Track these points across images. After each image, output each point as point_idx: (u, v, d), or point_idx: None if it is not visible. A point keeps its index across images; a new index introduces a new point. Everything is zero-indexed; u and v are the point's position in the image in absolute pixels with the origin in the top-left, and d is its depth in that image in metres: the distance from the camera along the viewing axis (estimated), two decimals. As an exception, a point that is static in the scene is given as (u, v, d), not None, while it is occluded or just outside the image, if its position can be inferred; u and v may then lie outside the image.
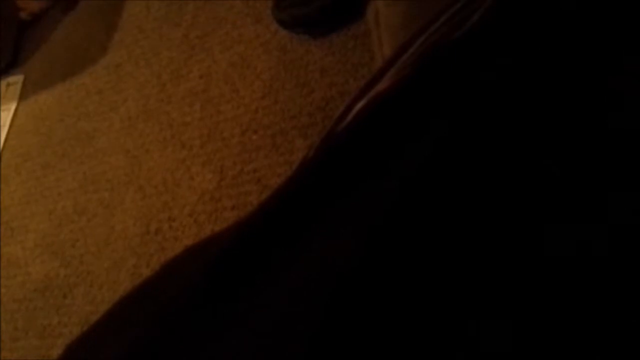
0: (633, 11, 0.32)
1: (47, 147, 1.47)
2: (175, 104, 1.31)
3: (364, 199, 0.33)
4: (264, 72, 1.22)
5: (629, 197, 0.27)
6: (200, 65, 1.34)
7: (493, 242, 0.29)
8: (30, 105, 1.61)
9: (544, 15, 0.35)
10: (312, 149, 0.40)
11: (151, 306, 0.39)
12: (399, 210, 0.31)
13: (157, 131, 1.30)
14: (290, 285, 0.32)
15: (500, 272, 0.28)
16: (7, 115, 1.62)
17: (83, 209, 1.29)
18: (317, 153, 0.39)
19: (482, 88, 0.34)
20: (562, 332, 0.25)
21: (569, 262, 0.27)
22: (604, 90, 0.31)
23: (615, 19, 0.33)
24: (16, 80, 1.69)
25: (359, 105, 0.40)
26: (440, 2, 0.42)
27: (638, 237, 0.26)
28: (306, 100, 1.14)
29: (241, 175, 1.13)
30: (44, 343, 1.18)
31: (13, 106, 1.63)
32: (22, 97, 1.64)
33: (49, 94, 1.59)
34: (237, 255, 0.36)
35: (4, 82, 1.71)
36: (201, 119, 1.25)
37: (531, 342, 0.26)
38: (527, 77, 0.33)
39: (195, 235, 1.10)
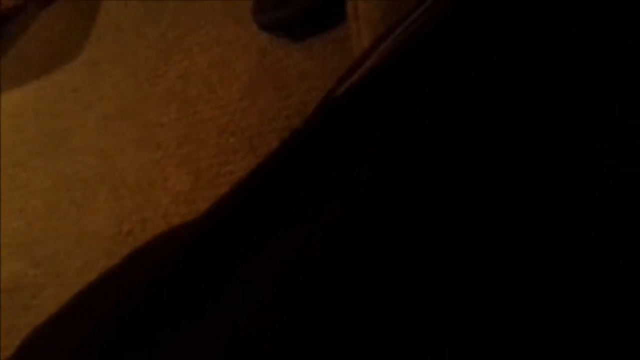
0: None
1: (19, 145, 1.44)
2: (152, 103, 1.30)
3: (334, 191, 0.33)
4: (243, 74, 1.22)
5: (618, 198, 0.27)
6: (178, 65, 1.32)
7: (474, 245, 0.28)
8: (3, 101, 1.58)
9: (530, 5, 0.35)
10: (283, 141, 0.39)
11: (112, 296, 0.38)
12: (372, 203, 0.31)
13: (133, 131, 1.28)
14: (255, 281, 0.31)
15: (481, 282, 0.27)
16: (-21, 111, 1.59)
17: (55, 208, 1.27)
18: (290, 142, 0.39)
19: (464, 78, 0.34)
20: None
21: (558, 266, 0.27)
22: (591, 80, 0.31)
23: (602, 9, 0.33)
24: (-11, 75, 1.66)
25: (339, 91, 0.39)
26: None
27: (630, 236, 0.26)
28: (285, 104, 1.13)
29: (217, 177, 1.12)
30: (10, 343, 1.15)
31: (-15, 102, 1.60)
32: (-5, 93, 1.61)
33: (24, 91, 1.56)
34: (202, 246, 0.35)
35: (-23, 78, 1.68)
36: (178, 120, 1.24)
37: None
38: (512, 67, 0.33)
39: (169, 237, 1.08)
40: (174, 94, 1.28)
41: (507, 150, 0.30)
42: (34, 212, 1.29)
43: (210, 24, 1.34)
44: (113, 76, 1.41)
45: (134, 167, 1.22)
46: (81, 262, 1.15)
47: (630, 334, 0.25)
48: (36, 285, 1.18)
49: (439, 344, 0.26)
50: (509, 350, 0.26)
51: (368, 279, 0.29)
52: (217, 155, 1.14)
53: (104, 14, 1.56)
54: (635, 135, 0.28)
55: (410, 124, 0.32)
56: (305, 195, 0.33)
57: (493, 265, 0.27)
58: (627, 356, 0.24)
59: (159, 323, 0.32)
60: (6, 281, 1.22)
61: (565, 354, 0.25)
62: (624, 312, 0.25)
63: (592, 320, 0.26)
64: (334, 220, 0.31)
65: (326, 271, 0.29)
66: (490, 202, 0.29)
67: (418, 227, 0.29)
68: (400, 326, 0.27)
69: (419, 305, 0.27)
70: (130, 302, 0.35)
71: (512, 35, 0.33)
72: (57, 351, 0.39)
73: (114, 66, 1.43)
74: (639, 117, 0.29)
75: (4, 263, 1.25)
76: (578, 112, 0.30)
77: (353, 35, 0.70)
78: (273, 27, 1.23)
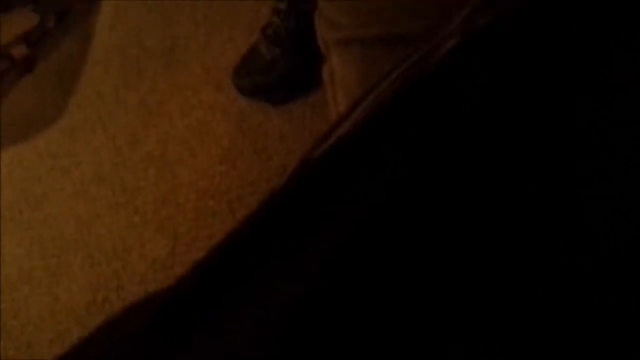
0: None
1: (-6, 212, 1.42)
2: (130, 168, 1.29)
3: (310, 257, 0.32)
4: (223, 138, 1.22)
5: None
6: (157, 129, 1.32)
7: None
8: (-21, 167, 1.56)
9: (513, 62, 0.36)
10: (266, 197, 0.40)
11: None
12: (348, 261, 0.31)
13: (110, 196, 1.27)
14: (243, 329, 0.31)
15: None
16: (-46, 178, 1.56)
17: (27, 276, 1.23)
18: (265, 208, 0.38)
19: (440, 132, 0.34)
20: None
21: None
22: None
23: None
24: (-34, 142, 1.64)
25: (317, 152, 0.39)
26: (394, 59, 0.43)
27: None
28: (264, 167, 1.13)
29: (195, 241, 1.10)
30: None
31: (-39, 169, 1.58)
32: (-28, 159, 1.59)
33: (1, 157, 1.54)
34: (178, 309, 0.34)
35: (-47, 144, 1.66)
36: (156, 184, 1.23)
37: None
38: (491, 126, 0.34)
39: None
40: (153, 159, 1.27)
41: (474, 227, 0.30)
42: (6, 281, 1.25)
43: (190, 89, 1.35)
44: (91, 142, 1.41)
45: (110, 232, 1.20)
46: (53, 334, 1.11)
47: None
48: (6, 357, 1.13)
49: None
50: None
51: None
52: (195, 219, 1.13)
53: (83, 80, 1.56)
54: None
55: (373, 197, 0.33)
56: (274, 265, 0.33)
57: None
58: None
59: None
60: (-26, 353, 1.17)
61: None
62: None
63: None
64: (301, 292, 0.31)
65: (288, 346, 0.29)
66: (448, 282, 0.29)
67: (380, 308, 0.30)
68: None
69: None
70: None
71: (487, 107, 0.34)
72: None
73: (92, 132, 1.42)
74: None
75: (-27, 334, 1.20)
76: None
77: (330, 100, 0.71)
78: (252, 92, 1.24)
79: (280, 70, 1.22)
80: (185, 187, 1.19)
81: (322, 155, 0.39)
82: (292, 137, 1.14)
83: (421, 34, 0.45)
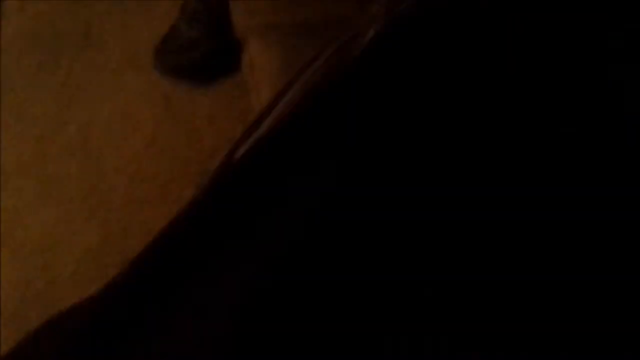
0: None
1: None
2: (53, 158, 1.25)
3: (242, 253, 0.32)
4: (148, 121, 1.19)
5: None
6: (78, 116, 1.28)
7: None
8: None
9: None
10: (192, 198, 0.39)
11: None
12: (278, 267, 0.31)
13: (34, 187, 1.22)
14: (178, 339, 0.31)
15: None
16: None
17: (-48, 276, 1.18)
18: (190, 210, 0.38)
19: (369, 121, 0.35)
20: None
21: None
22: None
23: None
24: None
25: (240, 151, 0.39)
26: (315, 46, 0.43)
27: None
28: (194, 148, 1.12)
29: (128, 228, 1.08)
30: None
31: None
32: None
33: None
34: (115, 308, 0.34)
35: None
36: (81, 173, 1.19)
37: None
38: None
39: (79, 297, 1.03)
40: (76, 146, 1.23)
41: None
42: None
43: (110, 72, 1.31)
44: (10, 131, 1.34)
45: (37, 225, 1.16)
46: (-16, 334, 1.07)
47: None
48: None
49: None
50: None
51: None
52: (126, 205, 1.11)
53: (-4, 68, 1.49)
54: None
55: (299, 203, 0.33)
56: (197, 276, 0.33)
57: None
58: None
59: None
60: None
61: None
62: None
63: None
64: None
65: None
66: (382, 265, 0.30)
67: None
68: None
69: None
70: None
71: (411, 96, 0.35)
72: None
73: (13, 120, 1.36)
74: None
75: None
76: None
77: (251, 88, 0.71)
78: (176, 72, 1.22)
79: (202, 48, 1.20)
80: (112, 173, 1.16)
81: (246, 155, 0.39)
82: (221, 116, 1.13)
83: (341, 19, 0.44)
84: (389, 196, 0.32)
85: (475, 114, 0.33)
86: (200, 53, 1.18)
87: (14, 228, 1.18)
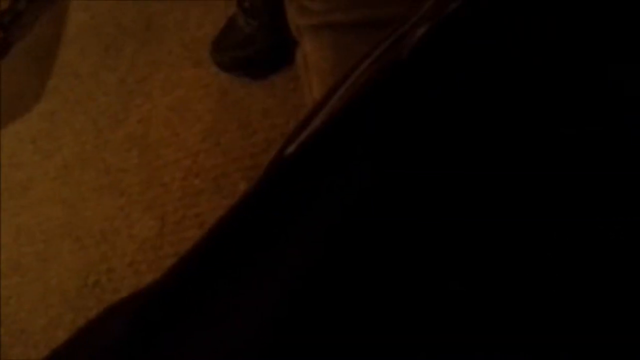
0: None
1: (-22, 200, 1.41)
2: (113, 150, 1.28)
3: (292, 249, 0.32)
4: (205, 115, 1.21)
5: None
6: (138, 109, 1.31)
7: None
8: (-40, 156, 1.54)
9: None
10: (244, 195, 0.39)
11: None
12: (329, 259, 0.31)
13: (94, 179, 1.26)
14: (226, 330, 0.31)
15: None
16: (-64, 168, 1.54)
17: (17, 264, 1.23)
18: (249, 197, 0.38)
19: (417, 119, 0.34)
20: None
21: None
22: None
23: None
24: (-56, 130, 1.62)
25: (290, 149, 0.39)
26: (368, 44, 0.43)
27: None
28: (248, 142, 1.12)
29: (183, 220, 1.10)
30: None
31: (-59, 158, 1.56)
32: (-48, 148, 1.57)
33: (-19, 144, 1.53)
34: (159, 307, 0.34)
35: None
36: (140, 165, 1.22)
37: None
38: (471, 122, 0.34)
39: (136, 286, 1.06)
40: (135, 139, 1.26)
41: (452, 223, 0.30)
42: (-3, 269, 1.25)
43: (169, 67, 1.33)
44: (72, 124, 1.39)
45: (97, 215, 1.19)
46: (46, 319, 1.11)
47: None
48: (2, 345, 1.14)
49: None
50: None
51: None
52: (182, 198, 1.12)
53: (60, 62, 1.54)
54: None
55: (351, 192, 0.33)
56: (254, 261, 0.33)
57: None
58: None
59: None
60: (-31, 342, 1.18)
61: None
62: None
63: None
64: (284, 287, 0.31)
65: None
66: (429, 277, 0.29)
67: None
68: None
69: None
70: None
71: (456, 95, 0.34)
72: None
73: (72, 114, 1.41)
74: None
75: (-34, 324, 1.20)
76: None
77: (304, 85, 0.70)
78: (233, 66, 1.23)
79: (259, 43, 1.20)
80: (169, 166, 1.18)
81: (297, 151, 0.39)
82: (275, 111, 1.13)
83: (394, 18, 0.44)
84: (433, 199, 0.31)
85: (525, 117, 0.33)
86: (256, 48, 1.19)
87: (75, 218, 1.22)
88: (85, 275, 1.13)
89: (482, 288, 0.28)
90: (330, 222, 0.32)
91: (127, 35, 1.46)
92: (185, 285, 0.35)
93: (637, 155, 0.29)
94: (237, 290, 0.32)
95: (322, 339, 0.29)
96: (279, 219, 0.34)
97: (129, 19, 1.48)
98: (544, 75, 0.33)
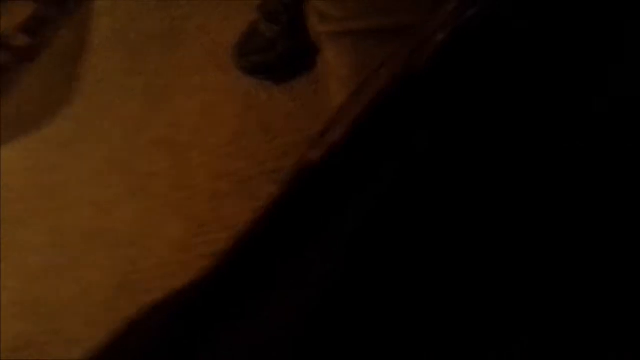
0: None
1: (12, 203, 1.45)
2: (141, 153, 1.32)
3: (317, 251, 0.34)
4: (229, 119, 1.24)
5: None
6: (164, 113, 1.35)
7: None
8: (-7, 160, 1.59)
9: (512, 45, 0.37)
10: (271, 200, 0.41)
11: None
12: (352, 264, 0.33)
13: (124, 182, 1.30)
14: (255, 335, 0.33)
15: None
16: (-31, 171, 1.59)
17: (53, 264, 1.27)
18: (269, 212, 0.41)
19: (435, 127, 0.36)
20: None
21: None
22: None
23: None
24: (-24, 135, 1.67)
25: (313, 154, 0.41)
26: (386, 51, 0.44)
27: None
28: (272, 145, 1.16)
29: (210, 222, 1.13)
30: (16, 405, 1.16)
31: (-26, 161, 1.61)
32: (-17, 152, 1.62)
33: (10, 149, 1.56)
34: (198, 306, 0.37)
35: (-37, 138, 1.68)
36: (168, 168, 1.26)
37: None
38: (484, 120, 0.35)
39: (167, 286, 1.09)
40: (162, 143, 1.30)
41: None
42: (33, 270, 1.29)
43: (193, 71, 1.36)
44: (100, 128, 1.43)
45: (128, 217, 1.23)
46: (82, 318, 1.15)
47: None
48: (40, 343, 1.18)
49: None
50: None
51: None
52: (209, 200, 1.16)
53: (87, 67, 1.58)
54: None
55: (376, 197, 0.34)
56: (283, 265, 0.35)
57: None
58: None
59: None
60: (10, 341, 1.22)
61: None
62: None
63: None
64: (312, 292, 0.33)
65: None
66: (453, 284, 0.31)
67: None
68: None
69: None
70: None
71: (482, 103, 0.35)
72: None
73: (100, 119, 1.45)
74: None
75: (7, 323, 1.25)
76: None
77: (325, 89, 0.73)
78: (255, 71, 1.26)
79: (280, 48, 1.23)
80: (196, 169, 1.21)
81: (322, 157, 0.41)
82: (298, 114, 1.16)
83: (412, 26, 0.45)
84: (455, 202, 0.33)
85: (543, 120, 0.34)
86: (278, 53, 1.22)
87: (107, 220, 1.26)
88: (118, 275, 1.17)
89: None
90: (356, 224, 0.34)
91: (152, 40, 1.49)
92: (224, 283, 0.37)
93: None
94: (271, 287, 0.34)
95: (349, 336, 0.31)
96: (309, 221, 0.36)
97: (153, 25, 1.52)
98: (562, 80, 0.35)
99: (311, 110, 1.15)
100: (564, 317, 0.28)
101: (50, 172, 1.45)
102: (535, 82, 0.35)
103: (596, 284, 0.28)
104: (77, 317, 1.16)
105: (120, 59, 1.53)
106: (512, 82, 0.36)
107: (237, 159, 1.17)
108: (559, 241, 0.30)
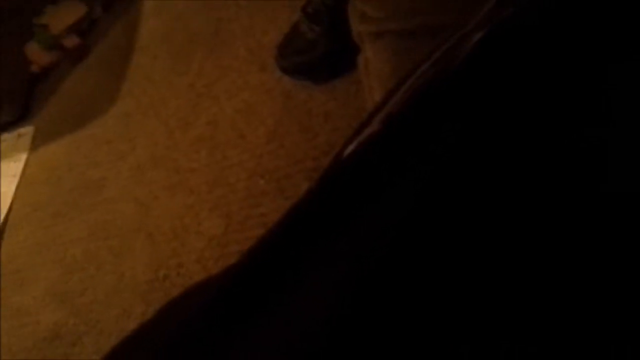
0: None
1: (56, 197, 1.49)
2: (183, 150, 1.34)
3: (352, 242, 0.34)
4: (269, 118, 1.25)
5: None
6: (207, 112, 1.36)
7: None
8: (40, 155, 1.64)
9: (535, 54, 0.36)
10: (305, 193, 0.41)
11: (149, 349, 0.40)
12: (382, 264, 0.32)
13: (165, 178, 1.32)
14: (285, 325, 0.33)
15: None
16: (19, 166, 1.65)
17: (92, 256, 1.30)
18: (311, 193, 0.40)
19: (471, 126, 0.35)
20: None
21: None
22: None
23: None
24: (27, 131, 1.73)
25: (349, 149, 0.41)
26: (426, 50, 0.43)
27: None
28: (310, 145, 1.16)
29: (248, 220, 1.14)
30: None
31: (24, 157, 1.66)
32: (33, 147, 1.67)
33: (59, 145, 1.62)
34: (233, 293, 0.37)
35: (15, 134, 1.74)
36: (208, 165, 1.27)
37: None
38: (519, 122, 0.35)
39: (203, 281, 1.10)
40: (204, 140, 1.32)
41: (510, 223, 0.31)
42: (73, 262, 1.33)
43: (236, 71, 1.38)
44: (144, 126, 1.46)
45: (168, 213, 1.25)
46: (119, 310, 1.18)
47: None
48: (76, 333, 1.21)
49: None
50: None
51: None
52: (246, 198, 1.17)
53: (133, 67, 1.62)
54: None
55: (407, 195, 0.34)
56: (314, 260, 0.34)
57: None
58: None
59: None
60: (46, 330, 1.25)
61: None
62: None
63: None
64: (341, 285, 0.32)
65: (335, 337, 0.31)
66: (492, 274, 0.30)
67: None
68: None
69: None
70: (168, 350, 0.37)
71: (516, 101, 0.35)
72: None
73: (145, 116, 1.48)
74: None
75: (44, 312, 1.28)
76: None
77: (365, 89, 0.73)
78: (296, 71, 1.27)
79: (321, 48, 1.23)
80: (235, 167, 1.22)
81: (355, 153, 0.40)
82: (337, 114, 1.16)
83: (450, 25, 0.45)
84: (488, 203, 0.32)
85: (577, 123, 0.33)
86: (319, 53, 1.22)
87: (147, 215, 1.28)
88: (156, 269, 1.18)
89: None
90: (387, 222, 0.34)
91: (196, 41, 1.52)
92: (253, 276, 0.37)
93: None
94: (300, 282, 0.34)
95: (375, 338, 0.30)
96: (341, 214, 0.35)
97: (198, 26, 1.55)
98: (594, 80, 0.34)
99: (351, 110, 1.15)
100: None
101: (95, 168, 1.48)
102: (568, 83, 0.34)
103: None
104: (114, 309, 1.18)
105: (165, 59, 1.56)
106: (545, 82, 0.35)
107: (276, 158, 1.18)
108: (570, 241, 0.29)
